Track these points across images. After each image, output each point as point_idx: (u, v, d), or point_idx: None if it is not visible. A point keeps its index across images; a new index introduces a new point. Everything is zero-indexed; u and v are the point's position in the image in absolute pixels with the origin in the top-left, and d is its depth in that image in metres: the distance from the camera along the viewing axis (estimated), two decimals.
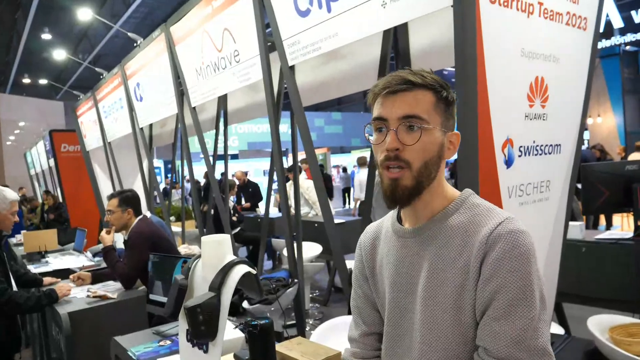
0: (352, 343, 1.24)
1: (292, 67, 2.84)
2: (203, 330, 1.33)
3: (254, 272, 1.42)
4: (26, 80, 20.37)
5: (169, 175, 7.82)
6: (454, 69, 1.99)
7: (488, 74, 1.91)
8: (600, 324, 1.94)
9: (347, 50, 3.09)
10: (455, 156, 1.19)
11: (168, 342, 1.97)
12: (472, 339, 0.95)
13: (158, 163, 19.63)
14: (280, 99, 3.67)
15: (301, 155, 6.04)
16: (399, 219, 1.12)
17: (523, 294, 0.89)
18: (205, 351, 1.41)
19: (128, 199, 3.14)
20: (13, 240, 6.23)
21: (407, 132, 0.97)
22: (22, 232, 5.10)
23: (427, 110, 0.98)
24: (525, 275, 0.89)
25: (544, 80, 2.17)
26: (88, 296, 2.86)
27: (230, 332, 1.81)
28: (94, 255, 4.56)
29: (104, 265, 3.63)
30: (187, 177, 6.18)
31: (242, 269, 1.40)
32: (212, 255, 1.45)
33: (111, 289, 3.03)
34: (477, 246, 0.94)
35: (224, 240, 1.46)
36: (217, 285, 1.36)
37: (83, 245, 4.89)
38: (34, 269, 4.09)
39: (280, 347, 1.66)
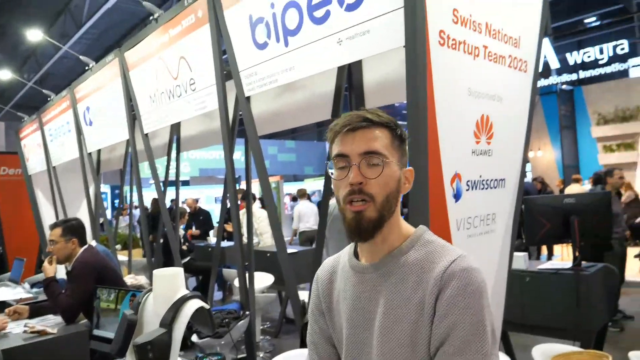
0: None
1: (248, 97, 2.86)
2: None
3: (207, 307, 1.40)
4: None
5: (117, 202, 7.56)
6: (404, 102, 2.07)
7: (437, 111, 2.00)
8: (544, 353, 2.02)
9: (303, 82, 3.15)
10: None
11: None
12: None
13: (105, 188, 18.95)
14: (235, 126, 3.67)
15: (255, 183, 6.00)
16: (356, 255, 1.13)
17: (476, 330, 0.93)
18: None
19: (73, 228, 3.01)
20: None
21: (368, 167, 1.01)
22: None
23: (385, 146, 1.03)
24: (478, 312, 0.94)
25: (489, 118, 2.30)
26: (25, 331, 2.67)
27: None
28: (32, 286, 4.31)
29: (42, 297, 3.44)
30: (136, 204, 6.00)
31: (194, 304, 1.38)
32: (164, 289, 1.42)
33: (51, 323, 2.86)
34: (431, 283, 0.97)
35: (176, 273, 1.44)
36: (168, 320, 1.33)
37: (20, 276, 4.61)
38: None
39: None
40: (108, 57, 4.18)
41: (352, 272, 1.11)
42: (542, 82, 14.47)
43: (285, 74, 2.52)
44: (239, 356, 4.11)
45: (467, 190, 2.20)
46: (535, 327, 3.25)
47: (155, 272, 1.43)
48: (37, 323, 2.82)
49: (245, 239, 4.20)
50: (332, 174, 1.07)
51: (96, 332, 2.20)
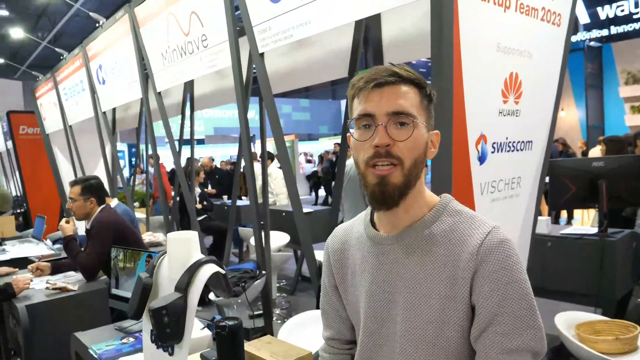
0: (324, 341, 1.21)
1: (262, 54, 2.75)
2: (168, 332, 1.26)
3: (222, 272, 1.36)
4: None
5: (134, 160, 7.57)
6: (422, 60, 1.95)
7: (464, 69, 1.88)
8: (567, 321, 1.96)
9: (318, 38, 3.02)
10: None
11: (131, 339, 1.89)
12: (455, 353, 0.92)
13: (122, 147, 19.09)
14: (249, 85, 3.57)
15: (269, 142, 5.93)
16: (373, 224, 1.04)
17: (526, 304, 0.88)
18: (171, 354, 1.35)
19: (92, 187, 3.01)
20: None
21: (397, 128, 0.91)
22: None
23: (415, 105, 0.93)
24: (523, 284, 0.88)
25: (518, 75, 2.17)
26: (47, 288, 2.72)
27: (197, 330, 1.75)
28: (54, 242, 4.38)
29: (64, 254, 3.49)
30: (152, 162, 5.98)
31: (210, 269, 1.33)
32: (179, 253, 1.38)
33: (72, 280, 2.90)
34: (465, 258, 0.90)
35: (191, 237, 1.39)
36: (183, 285, 1.30)
37: (42, 233, 4.68)
38: None
39: (248, 346, 1.61)
40: (118, 13, 4.06)
41: (370, 243, 1.03)
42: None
43: (301, 28, 2.40)
44: (256, 313, 4.18)
45: (493, 152, 2.11)
46: (556, 293, 3.20)
47: (170, 235, 1.39)
48: (59, 280, 2.86)
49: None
50: (352, 134, 0.96)
51: (114, 291, 2.21)
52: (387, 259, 0.99)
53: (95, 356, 1.75)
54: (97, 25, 4.64)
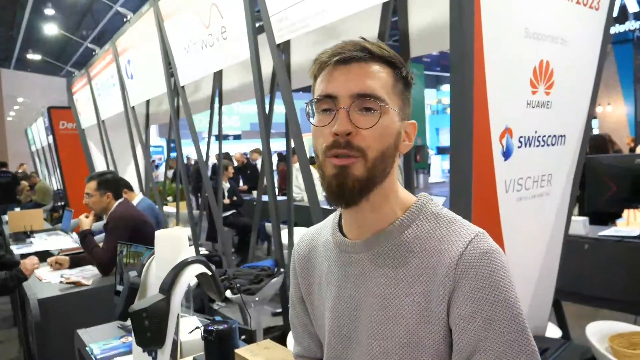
0: (294, 358, 1.09)
1: (280, 46, 2.65)
2: (149, 337, 1.18)
3: (209, 272, 1.27)
4: (30, 57, 20.16)
5: (173, 155, 7.66)
6: None
7: (487, 56, 1.73)
8: (601, 331, 1.79)
9: (343, 28, 2.90)
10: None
11: (130, 338, 1.84)
12: None
13: (161, 142, 19.48)
14: (274, 77, 3.50)
15: (305, 137, 5.84)
16: (341, 228, 0.91)
17: (515, 326, 0.74)
18: (154, 358, 1.27)
19: (107, 182, 3.00)
20: (5, 218, 6.14)
21: (361, 113, 0.78)
22: (9, 211, 4.98)
23: (386, 88, 0.79)
24: (512, 304, 0.74)
25: (549, 64, 1.99)
26: (61, 282, 2.73)
27: (193, 332, 1.67)
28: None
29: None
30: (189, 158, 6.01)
31: (196, 269, 1.25)
32: (166, 252, 1.30)
33: (88, 274, 2.90)
34: (442, 271, 0.76)
35: (179, 235, 1.31)
36: (167, 286, 1.21)
37: (70, 226, 4.76)
38: (16, 249, 3.99)
39: (244, 351, 1.52)
40: (143, 7, 4.06)
41: (336, 251, 0.89)
42: (616, 28, 13.20)
43: (317, 17, 2.29)
44: (278, 311, 4.10)
45: (519, 147, 1.94)
46: (592, 298, 2.98)
47: (157, 233, 1.32)
48: (74, 274, 2.87)
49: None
50: (311, 119, 0.82)
51: (119, 287, 2.17)
52: (353, 270, 0.85)
53: (91, 355, 1.70)
54: (124, 19, 4.67)
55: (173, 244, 1.30)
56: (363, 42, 0.80)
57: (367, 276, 0.83)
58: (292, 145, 3.48)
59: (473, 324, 0.74)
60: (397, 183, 0.85)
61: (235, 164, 8.80)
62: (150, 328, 1.18)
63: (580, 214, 3.42)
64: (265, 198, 6.08)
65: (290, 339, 2.06)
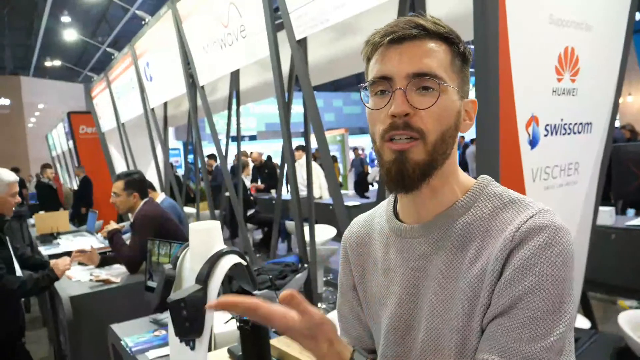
0: None
1: (300, 42, 2.67)
2: (187, 326, 1.20)
3: (244, 263, 1.29)
4: (48, 64, 20.53)
5: (190, 157, 7.75)
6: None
7: (512, 44, 1.72)
8: (633, 320, 1.77)
9: (363, 24, 2.90)
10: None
11: (163, 332, 1.87)
12: None
13: (177, 144, 19.67)
14: (292, 76, 3.51)
15: (327, 134, 5.82)
16: (396, 213, 0.87)
17: (552, 306, 0.68)
18: (192, 348, 1.29)
19: (134, 182, 3.03)
20: (31, 221, 6.26)
21: (419, 93, 0.74)
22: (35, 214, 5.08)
23: (444, 66, 0.75)
24: (560, 282, 0.68)
25: (574, 50, 1.97)
26: (91, 280, 2.79)
27: (227, 324, 1.69)
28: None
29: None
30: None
31: (231, 260, 1.27)
32: (200, 244, 1.32)
33: (116, 272, 2.95)
34: (499, 246, 0.72)
35: (212, 228, 1.33)
36: (203, 277, 1.24)
37: (95, 227, 4.85)
38: (44, 250, 4.06)
39: (278, 341, 1.54)
40: (162, 9, 4.11)
41: (394, 237, 0.85)
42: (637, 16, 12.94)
43: (336, 11, 2.30)
44: None
45: (546, 135, 1.93)
46: (619, 289, 2.94)
47: (191, 225, 1.34)
48: (104, 272, 2.92)
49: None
50: (366, 102, 0.78)
51: (149, 283, 2.21)
52: (412, 256, 0.82)
53: (127, 348, 1.73)
54: (142, 22, 4.73)
55: (207, 236, 1.31)
56: (417, 18, 0.76)
57: (427, 260, 0.80)
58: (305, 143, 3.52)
59: (510, 290, 0.69)
60: (457, 165, 0.82)
61: (252, 164, 8.86)
62: (189, 318, 1.20)
63: (606, 204, 3.37)
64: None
65: None
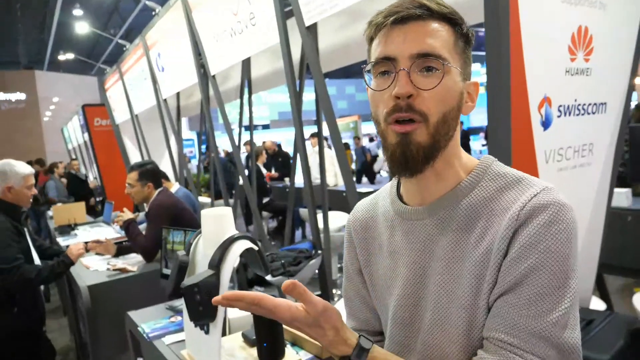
0: None
1: (309, 28, 2.65)
2: (201, 311, 1.22)
3: (255, 248, 1.31)
4: (61, 57, 20.72)
5: (204, 148, 7.83)
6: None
7: (523, 23, 1.69)
8: None
9: (374, 8, 2.88)
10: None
11: (179, 318, 1.91)
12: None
13: (191, 135, 19.78)
14: (303, 62, 3.50)
15: (340, 122, 5.81)
16: (399, 196, 0.88)
17: (558, 282, 0.69)
18: (207, 332, 1.32)
19: (148, 173, 3.06)
20: (50, 213, 6.38)
21: (422, 74, 0.74)
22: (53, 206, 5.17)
23: (447, 46, 0.75)
24: (564, 258, 0.70)
25: (587, 30, 1.93)
26: (108, 269, 2.84)
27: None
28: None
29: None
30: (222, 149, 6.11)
31: (243, 245, 1.28)
32: (212, 230, 1.34)
33: (132, 261, 3.00)
34: (504, 225, 0.73)
35: (224, 214, 1.35)
36: (216, 262, 1.25)
37: (111, 217, 4.92)
38: (62, 241, 4.14)
39: None
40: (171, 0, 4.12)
41: (398, 219, 0.86)
42: None
43: None
44: (316, 293, 4.15)
45: (559, 116, 1.90)
46: (635, 271, 2.91)
47: (203, 212, 1.36)
48: (120, 261, 2.97)
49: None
50: (369, 84, 0.78)
51: (165, 271, 2.24)
52: (417, 237, 0.83)
53: (144, 334, 1.77)
54: (152, 13, 4.74)
55: (219, 221, 1.33)
56: None
57: (432, 241, 0.81)
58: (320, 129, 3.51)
59: (517, 267, 0.71)
60: (459, 146, 0.83)
61: (265, 151, 8.88)
62: (202, 302, 1.22)
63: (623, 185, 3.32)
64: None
65: None
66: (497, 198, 0.77)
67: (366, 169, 11.17)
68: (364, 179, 11.16)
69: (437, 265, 0.80)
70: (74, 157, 14.37)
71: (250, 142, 5.17)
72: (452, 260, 0.78)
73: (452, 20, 0.76)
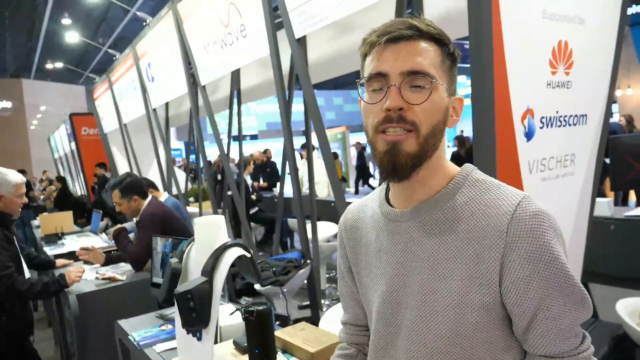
0: (342, 325, 1.14)
1: (299, 40, 2.70)
2: (194, 317, 1.25)
3: (248, 255, 1.33)
4: (49, 66, 20.58)
5: (192, 157, 7.81)
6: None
7: (506, 38, 1.76)
8: (630, 307, 1.81)
9: (362, 21, 2.94)
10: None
11: (170, 326, 1.91)
12: (480, 340, 0.82)
13: (179, 145, 19.71)
14: (293, 74, 3.54)
15: (328, 132, 5.87)
16: (388, 200, 0.94)
17: (569, 279, 0.78)
18: (199, 339, 1.34)
19: (128, 187, 3.02)
20: (35, 223, 6.32)
21: (412, 90, 0.80)
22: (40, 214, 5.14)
23: (435, 65, 0.81)
24: (562, 260, 0.79)
25: (567, 44, 2.00)
26: (97, 278, 2.83)
27: (232, 317, 1.74)
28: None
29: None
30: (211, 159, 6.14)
31: (235, 252, 1.31)
32: (205, 237, 1.36)
33: (121, 270, 3.00)
34: (492, 233, 0.79)
35: (217, 221, 1.37)
36: (208, 269, 1.28)
37: (99, 227, 4.89)
38: (49, 250, 4.11)
39: (282, 333, 1.58)
40: (163, 10, 4.14)
41: (384, 221, 0.93)
42: (633, 9, 12.93)
43: (336, 8, 2.33)
44: (305, 303, 4.16)
45: (541, 127, 1.96)
46: (619, 279, 2.97)
47: (196, 220, 1.38)
48: (108, 270, 2.96)
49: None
50: (362, 97, 0.85)
51: (155, 279, 2.25)
52: (401, 238, 0.89)
53: (134, 342, 1.78)
54: (143, 23, 4.77)
55: (212, 229, 1.36)
56: (411, 20, 0.82)
57: (415, 243, 0.87)
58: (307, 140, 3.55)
59: (533, 284, 0.78)
60: (444, 156, 0.89)
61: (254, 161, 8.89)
62: (195, 309, 1.24)
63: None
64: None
65: (322, 322, 2.12)
66: (476, 201, 0.83)
67: (361, 170, 12.47)
68: (361, 189, 12.18)
69: (421, 265, 0.86)
70: (59, 166, 14.26)
71: (239, 153, 5.19)
72: (437, 262, 0.84)
73: (439, 40, 0.83)
